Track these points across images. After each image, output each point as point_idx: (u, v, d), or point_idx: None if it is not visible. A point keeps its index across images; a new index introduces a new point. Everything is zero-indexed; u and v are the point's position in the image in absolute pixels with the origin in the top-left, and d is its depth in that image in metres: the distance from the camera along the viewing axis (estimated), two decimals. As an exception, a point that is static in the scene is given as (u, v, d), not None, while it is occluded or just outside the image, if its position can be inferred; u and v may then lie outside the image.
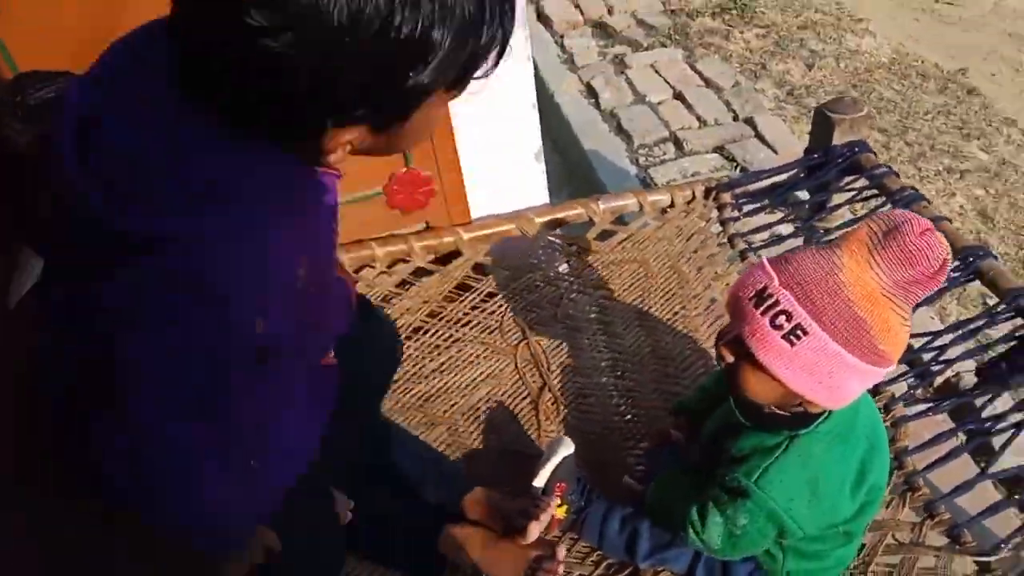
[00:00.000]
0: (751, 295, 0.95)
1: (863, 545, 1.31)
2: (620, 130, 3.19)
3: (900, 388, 1.59)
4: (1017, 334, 1.58)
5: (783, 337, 0.92)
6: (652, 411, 1.60)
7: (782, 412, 1.07)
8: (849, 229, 0.96)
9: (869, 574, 1.28)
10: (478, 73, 0.70)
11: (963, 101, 3.46)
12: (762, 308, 0.93)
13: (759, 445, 1.11)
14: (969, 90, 3.54)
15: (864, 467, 1.12)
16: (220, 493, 0.77)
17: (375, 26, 0.58)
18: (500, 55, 0.70)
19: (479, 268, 1.88)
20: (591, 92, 3.47)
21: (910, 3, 4.94)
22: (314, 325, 0.84)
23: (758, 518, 1.08)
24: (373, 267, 1.82)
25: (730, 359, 1.00)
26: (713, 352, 1.76)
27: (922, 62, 3.85)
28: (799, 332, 0.91)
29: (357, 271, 1.82)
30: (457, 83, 0.70)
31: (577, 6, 4.24)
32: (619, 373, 1.70)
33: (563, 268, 1.96)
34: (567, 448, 1.31)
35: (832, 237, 1.93)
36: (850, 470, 1.11)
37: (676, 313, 1.82)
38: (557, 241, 1.94)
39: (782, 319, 0.92)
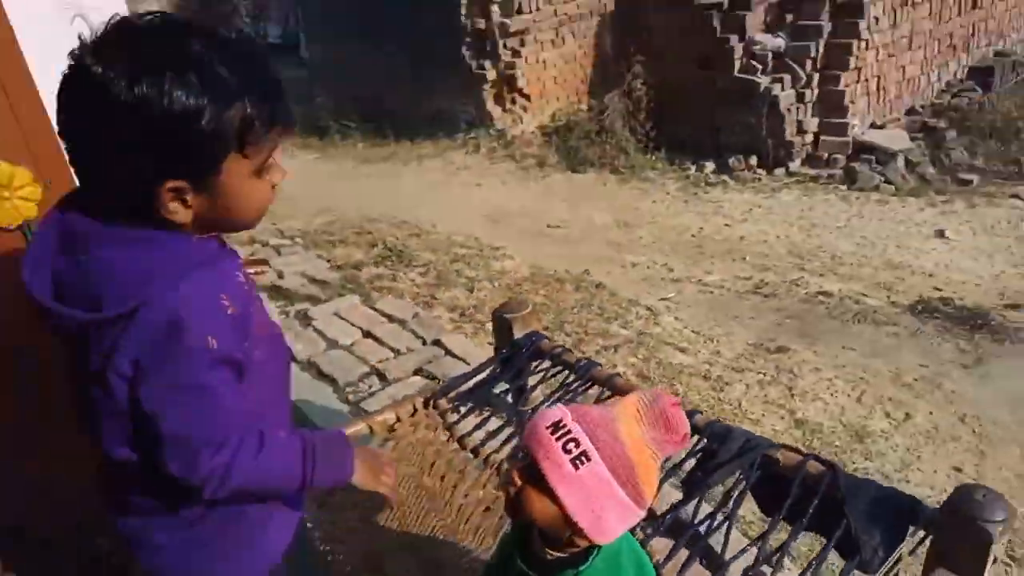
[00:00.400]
0: (548, 425, 1.12)
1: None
2: (322, 375, 3.30)
3: (634, 521, 1.82)
4: (697, 448, 1.94)
5: (571, 460, 1.09)
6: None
7: (561, 554, 1.19)
8: (623, 399, 1.19)
9: None
10: (255, 139, 0.98)
11: (595, 294, 4.24)
12: (557, 435, 1.11)
13: None
14: (597, 285, 4.36)
15: None
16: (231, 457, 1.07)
17: (155, 101, 0.89)
18: (270, 124, 0.99)
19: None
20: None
21: (529, 231, 6.01)
22: (262, 340, 1.13)
23: None
24: None
25: (518, 483, 1.13)
26: (475, 546, 1.85)
27: (555, 271, 4.67)
28: (584, 458, 1.09)
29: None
30: (243, 147, 0.98)
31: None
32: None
33: (309, 513, 1.93)
34: None
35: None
36: None
37: (434, 527, 1.89)
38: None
39: (572, 445, 1.10)
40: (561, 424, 1.12)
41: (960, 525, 1.49)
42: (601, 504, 1.11)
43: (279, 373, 1.25)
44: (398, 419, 2.11)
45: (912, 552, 1.61)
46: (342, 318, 3.77)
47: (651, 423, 1.13)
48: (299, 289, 4.21)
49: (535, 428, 1.14)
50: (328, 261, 4.68)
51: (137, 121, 0.89)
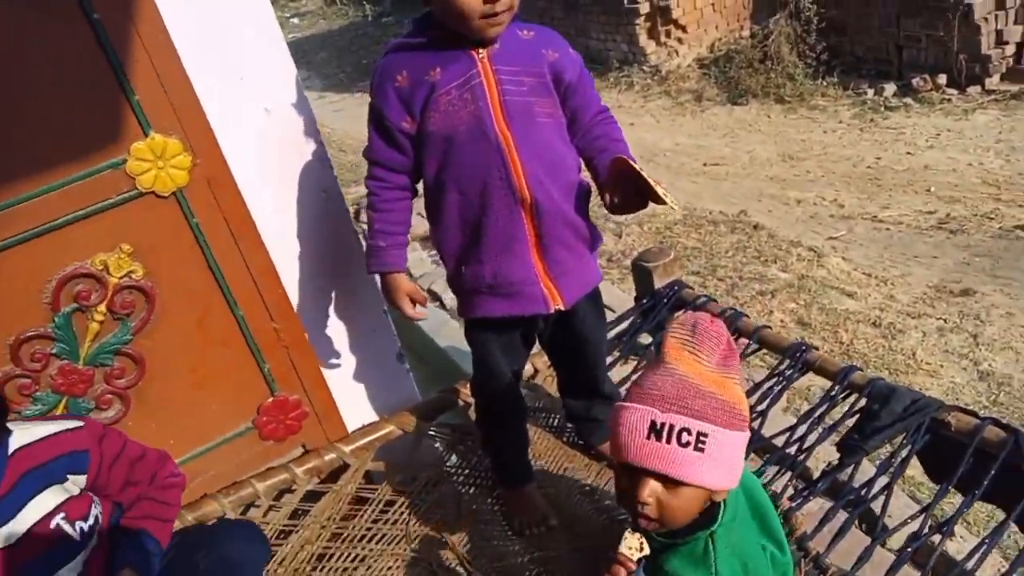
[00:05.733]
0: (645, 434, 1.04)
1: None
2: (470, 324, 3.37)
3: (780, 483, 1.71)
4: (856, 409, 1.78)
5: (694, 449, 1.03)
6: (573, 572, 1.61)
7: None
8: (658, 344, 1.10)
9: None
10: None
11: (752, 236, 4.00)
12: (664, 437, 1.03)
13: (689, 556, 1.15)
14: (754, 226, 4.10)
15: (770, 531, 1.23)
16: None
17: None
18: None
19: (370, 478, 1.86)
20: (434, 296, 3.67)
21: (684, 171, 5.75)
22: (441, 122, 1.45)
23: None
24: (258, 505, 1.76)
25: (651, 502, 1.06)
26: (613, 502, 1.82)
27: (709, 213, 4.44)
28: (703, 438, 1.03)
29: (242, 514, 1.75)
30: None
31: (402, 226, 4.57)
32: (534, 550, 1.69)
33: (454, 459, 1.98)
34: None
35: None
36: (758, 541, 1.21)
37: (565, 468, 1.88)
38: (442, 433, 1.98)
39: (685, 435, 1.03)
40: (659, 424, 1.04)
41: None
42: (732, 456, 1.07)
43: (462, 154, 1.45)
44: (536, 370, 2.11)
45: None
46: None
47: (708, 354, 1.06)
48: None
49: (632, 447, 1.05)
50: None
51: None
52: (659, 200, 1.37)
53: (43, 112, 1.51)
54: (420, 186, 1.59)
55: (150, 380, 1.72)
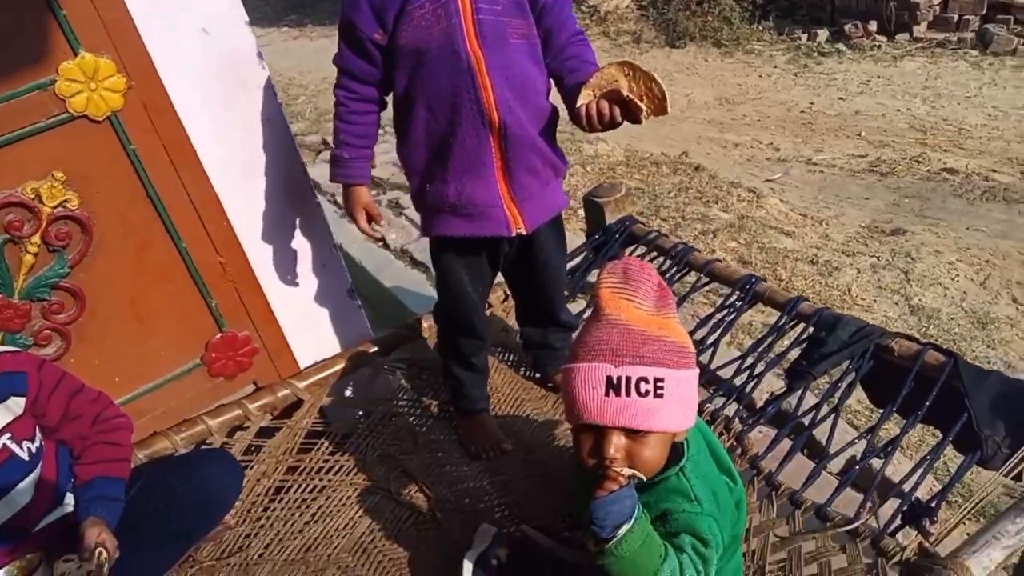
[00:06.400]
0: (603, 391, 1.01)
1: (752, 552, 1.40)
2: (415, 263, 3.33)
3: (730, 409, 1.77)
4: (802, 338, 1.84)
5: (654, 396, 1.01)
6: (529, 494, 1.63)
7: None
8: (592, 297, 1.10)
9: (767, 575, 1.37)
10: None
11: (694, 177, 4.04)
12: (623, 390, 1.01)
13: (664, 492, 1.14)
14: (696, 167, 4.15)
15: (720, 463, 1.24)
16: None
17: None
18: None
19: (325, 413, 1.83)
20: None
21: (625, 112, 5.73)
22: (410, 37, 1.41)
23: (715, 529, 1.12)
24: (210, 443, 1.72)
25: (619, 457, 1.03)
26: (559, 433, 1.84)
27: (651, 154, 4.46)
28: (660, 384, 1.01)
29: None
30: None
31: (342, 166, 4.44)
32: (491, 473, 1.71)
33: (410, 394, 1.96)
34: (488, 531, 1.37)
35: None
36: (718, 472, 1.22)
37: (521, 400, 1.89)
38: (398, 368, 1.96)
39: (643, 385, 1.01)
40: (615, 378, 1.01)
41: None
42: (691, 395, 1.07)
43: (432, 71, 1.41)
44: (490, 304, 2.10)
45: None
46: (434, 206, 3.76)
47: (644, 297, 1.06)
48: (390, 178, 4.21)
49: (591, 407, 1.03)
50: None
51: None
52: (642, 107, 1.34)
53: (-40, 25, 1.39)
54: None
55: (91, 315, 1.63)
